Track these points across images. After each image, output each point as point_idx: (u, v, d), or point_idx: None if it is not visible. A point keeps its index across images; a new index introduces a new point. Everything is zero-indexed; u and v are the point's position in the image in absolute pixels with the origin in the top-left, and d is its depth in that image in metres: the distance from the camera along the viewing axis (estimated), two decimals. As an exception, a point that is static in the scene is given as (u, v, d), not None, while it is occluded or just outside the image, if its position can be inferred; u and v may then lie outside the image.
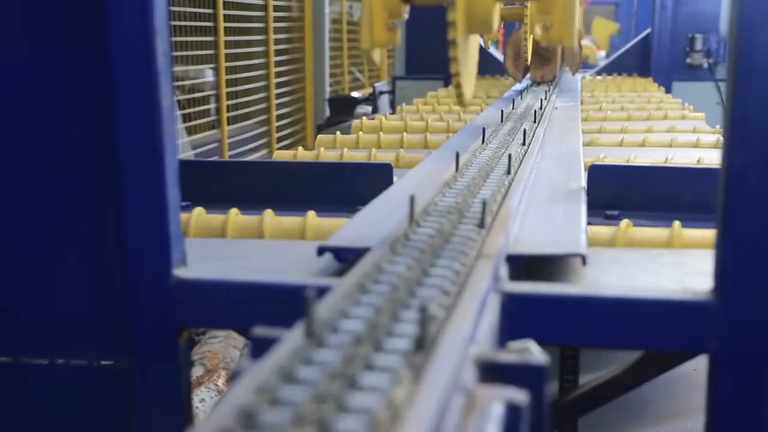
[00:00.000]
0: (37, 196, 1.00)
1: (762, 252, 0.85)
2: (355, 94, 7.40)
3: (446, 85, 5.01)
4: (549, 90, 3.18)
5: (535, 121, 1.78)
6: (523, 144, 1.46)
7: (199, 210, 1.58)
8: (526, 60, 3.06)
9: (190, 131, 5.04)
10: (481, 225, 1.02)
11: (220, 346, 2.54)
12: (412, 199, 1.01)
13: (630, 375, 1.07)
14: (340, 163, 2.15)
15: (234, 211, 1.58)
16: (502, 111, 1.90)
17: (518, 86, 3.78)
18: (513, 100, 2.42)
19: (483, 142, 1.76)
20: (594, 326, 0.89)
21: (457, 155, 1.43)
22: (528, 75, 3.87)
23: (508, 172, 1.39)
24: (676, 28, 5.84)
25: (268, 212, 1.56)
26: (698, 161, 2.17)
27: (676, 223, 1.44)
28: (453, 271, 0.84)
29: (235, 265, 1.15)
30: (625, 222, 1.47)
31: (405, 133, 2.70)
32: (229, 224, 1.54)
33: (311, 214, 1.54)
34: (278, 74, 6.48)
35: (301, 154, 2.38)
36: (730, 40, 0.86)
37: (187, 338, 0.97)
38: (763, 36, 0.83)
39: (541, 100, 2.35)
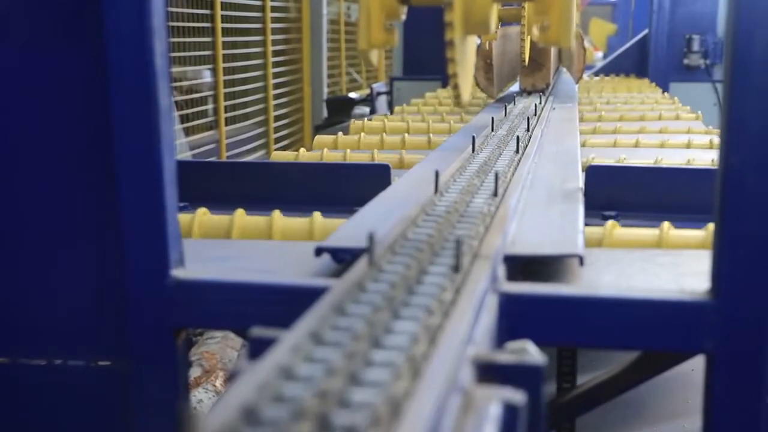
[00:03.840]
0: (34, 197, 1.00)
1: (759, 252, 0.85)
2: (352, 95, 7.40)
3: (444, 86, 5.00)
4: (541, 102, 2.79)
5: (517, 151, 1.72)
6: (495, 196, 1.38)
7: (203, 210, 1.55)
8: (523, 61, 2.89)
9: (187, 132, 5.04)
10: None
11: (218, 347, 2.54)
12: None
13: (627, 375, 1.07)
14: (338, 164, 2.14)
15: (240, 211, 1.54)
16: (473, 139, 1.73)
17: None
18: (492, 120, 2.13)
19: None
20: (591, 326, 0.89)
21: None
22: (514, 85, 3.56)
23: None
24: (673, 29, 5.85)
25: (277, 213, 1.52)
26: (685, 161, 2.16)
27: (666, 224, 1.43)
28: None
29: (232, 266, 1.15)
30: (610, 223, 1.45)
31: (404, 134, 2.69)
32: (235, 225, 1.50)
33: (317, 215, 1.51)
34: (276, 75, 6.48)
35: (301, 155, 2.37)
36: (726, 40, 0.86)
37: (185, 339, 0.97)
38: (759, 36, 0.83)
39: (528, 118, 2.12)
